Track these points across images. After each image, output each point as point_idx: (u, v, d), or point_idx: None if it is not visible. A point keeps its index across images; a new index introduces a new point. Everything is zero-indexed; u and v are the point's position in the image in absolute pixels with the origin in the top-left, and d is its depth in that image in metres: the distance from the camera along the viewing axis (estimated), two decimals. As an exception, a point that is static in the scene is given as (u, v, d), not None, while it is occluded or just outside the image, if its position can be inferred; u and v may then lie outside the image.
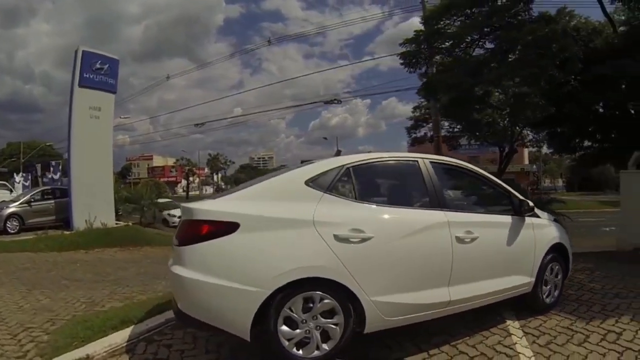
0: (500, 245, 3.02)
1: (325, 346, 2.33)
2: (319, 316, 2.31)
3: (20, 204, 11.50)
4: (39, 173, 24.40)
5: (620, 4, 8.26)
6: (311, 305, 2.29)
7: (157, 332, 3.07)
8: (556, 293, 3.50)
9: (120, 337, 2.97)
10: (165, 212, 17.85)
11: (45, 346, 2.86)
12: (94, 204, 10.63)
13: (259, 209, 2.34)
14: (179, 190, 62.95)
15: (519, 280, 3.13)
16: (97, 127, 11.05)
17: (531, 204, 3.25)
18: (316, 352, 2.32)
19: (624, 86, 8.65)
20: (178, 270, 2.33)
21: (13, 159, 39.09)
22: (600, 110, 9.89)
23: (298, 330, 2.28)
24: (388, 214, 2.59)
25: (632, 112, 9.28)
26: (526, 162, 37.05)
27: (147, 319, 3.29)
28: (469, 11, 9.50)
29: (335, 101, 21.82)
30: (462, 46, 9.94)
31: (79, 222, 10.36)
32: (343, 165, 2.62)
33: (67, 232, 10.05)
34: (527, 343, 2.78)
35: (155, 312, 3.44)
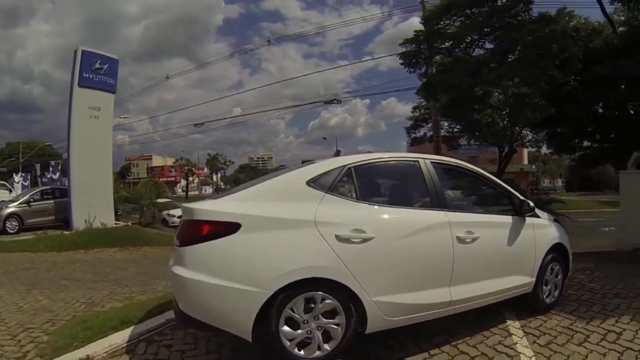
0: (500, 245, 3.03)
1: (326, 346, 2.33)
2: (320, 316, 2.31)
3: (20, 204, 11.47)
4: (38, 173, 24.32)
5: (620, 4, 8.26)
6: (313, 305, 2.29)
7: (158, 333, 3.06)
8: (556, 293, 3.51)
9: (120, 337, 2.96)
10: (165, 212, 17.81)
11: (45, 347, 2.86)
12: (93, 203, 10.61)
13: (261, 209, 2.34)
14: (178, 190, 62.93)
15: (520, 280, 3.13)
16: (97, 127, 11.03)
17: (532, 204, 3.25)
18: (318, 353, 2.32)
19: (623, 86, 8.65)
20: (179, 270, 2.33)
21: (12, 159, 39.02)
22: (600, 110, 9.90)
23: (299, 331, 2.28)
24: (389, 214, 2.59)
25: (632, 112, 9.29)
26: (525, 162, 37.10)
27: (147, 319, 3.29)
28: (469, 11, 9.50)
29: (335, 101, 21.86)
30: (462, 46, 9.94)
31: (79, 222, 10.34)
32: (344, 166, 2.62)
33: (67, 232, 10.03)
34: (528, 343, 2.79)
35: (156, 312, 3.44)
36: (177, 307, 2.45)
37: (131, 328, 3.12)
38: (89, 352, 2.71)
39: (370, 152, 3.19)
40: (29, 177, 22.58)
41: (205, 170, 64.87)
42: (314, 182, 2.49)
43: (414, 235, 2.58)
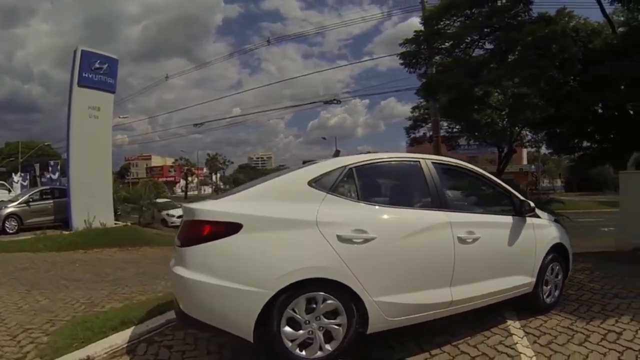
0: (501, 245, 3.03)
1: (328, 347, 2.33)
2: (322, 317, 2.31)
3: (19, 204, 11.45)
4: (38, 173, 24.33)
5: (620, 4, 8.28)
6: (314, 306, 2.29)
7: (158, 333, 3.06)
8: (556, 293, 3.52)
9: (120, 338, 2.96)
10: (164, 212, 17.79)
11: (45, 347, 2.85)
12: (92, 203, 10.58)
13: (262, 210, 2.33)
14: (178, 190, 62.89)
15: (520, 281, 3.14)
16: (96, 127, 11.00)
17: (532, 204, 3.25)
18: (319, 353, 2.31)
19: (623, 87, 8.68)
20: (180, 271, 2.32)
21: (11, 159, 38.96)
22: (600, 110, 9.92)
23: (301, 331, 2.28)
24: (391, 215, 2.60)
25: (631, 112, 9.31)
26: (525, 162, 37.15)
27: (148, 319, 3.28)
28: (468, 12, 9.52)
29: (335, 101, 21.88)
30: (461, 47, 9.96)
31: (78, 222, 10.32)
32: (346, 166, 2.61)
33: (66, 232, 10.00)
34: (528, 343, 2.79)
35: (156, 312, 3.43)
36: (178, 308, 2.45)
37: (131, 328, 3.12)
38: (89, 353, 2.71)
39: (369, 152, 3.20)
40: (28, 177, 22.59)
41: (205, 170, 64.80)
42: (315, 183, 2.49)
43: (415, 236, 2.58)
